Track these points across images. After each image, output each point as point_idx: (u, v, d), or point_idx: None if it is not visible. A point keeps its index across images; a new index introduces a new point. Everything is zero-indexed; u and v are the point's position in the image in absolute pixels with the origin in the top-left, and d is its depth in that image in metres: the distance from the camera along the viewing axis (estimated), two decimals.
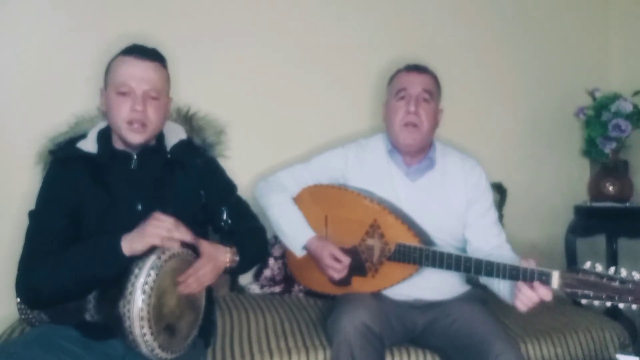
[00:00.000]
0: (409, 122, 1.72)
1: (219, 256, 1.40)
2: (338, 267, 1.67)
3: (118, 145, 1.47)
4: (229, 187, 1.62)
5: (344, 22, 2.41)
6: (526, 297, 1.42)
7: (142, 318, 1.20)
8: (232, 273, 1.51)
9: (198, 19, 2.22)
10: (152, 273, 1.23)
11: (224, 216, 1.53)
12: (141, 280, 1.21)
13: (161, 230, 1.26)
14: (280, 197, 1.84)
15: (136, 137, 1.41)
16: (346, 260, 1.67)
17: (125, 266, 1.25)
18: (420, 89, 1.74)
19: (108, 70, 1.45)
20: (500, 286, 1.58)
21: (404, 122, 1.73)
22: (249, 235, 1.55)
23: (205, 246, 1.38)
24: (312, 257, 1.75)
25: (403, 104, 1.74)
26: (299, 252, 1.77)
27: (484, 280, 1.65)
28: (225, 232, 1.52)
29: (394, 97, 1.78)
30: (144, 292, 1.21)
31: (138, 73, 1.40)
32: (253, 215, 1.64)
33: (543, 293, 1.40)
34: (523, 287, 1.43)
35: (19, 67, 2.04)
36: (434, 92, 1.77)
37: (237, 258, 1.44)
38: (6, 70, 2.03)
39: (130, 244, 1.26)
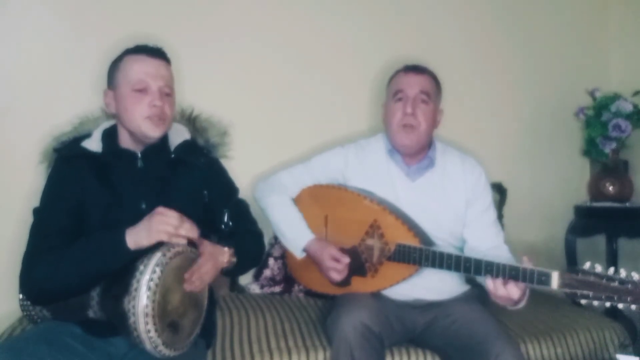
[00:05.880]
0: (405, 124, 1.72)
1: (218, 255, 1.41)
2: (339, 267, 1.67)
3: (123, 144, 1.48)
4: (232, 189, 1.63)
5: (343, 23, 2.41)
6: (496, 287, 1.48)
7: (146, 315, 1.21)
8: (228, 274, 1.52)
9: (201, 22, 2.23)
10: (157, 270, 1.23)
11: (225, 218, 1.53)
12: (146, 277, 1.22)
13: (168, 227, 1.27)
14: (280, 198, 1.84)
15: (156, 132, 1.43)
16: (345, 259, 1.67)
17: (130, 259, 1.26)
18: (417, 90, 1.73)
19: (116, 70, 1.46)
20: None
21: (401, 124, 1.73)
22: (248, 239, 1.55)
23: (206, 245, 1.39)
24: (312, 260, 1.75)
25: (400, 105, 1.74)
26: (298, 254, 1.77)
27: (480, 279, 1.65)
28: (225, 234, 1.52)
29: (392, 99, 1.78)
30: (149, 288, 1.21)
31: (153, 70, 1.43)
32: (253, 219, 1.65)
33: (512, 290, 1.46)
34: (497, 281, 1.48)
35: (23, 67, 2.05)
36: (433, 93, 1.76)
37: (234, 259, 1.44)
38: (10, 70, 2.04)
39: (135, 239, 1.26)
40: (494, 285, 1.48)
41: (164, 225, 1.26)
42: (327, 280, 1.76)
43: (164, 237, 1.26)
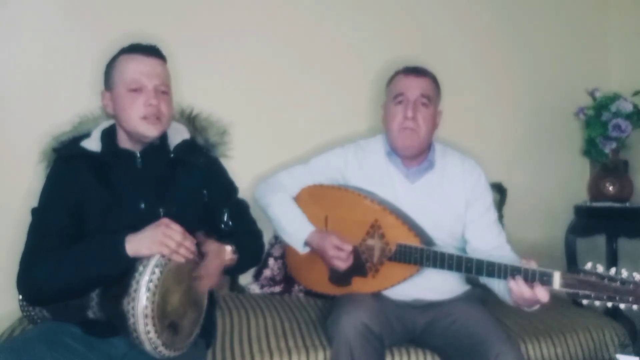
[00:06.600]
0: (406, 128, 1.71)
1: (222, 254, 1.42)
2: (343, 255, 1.66)
3: (123, 144, 1.48)
4: (231, 188, 1.63)
5: (343, 23, 2.41)
6: (521, 290, 1.43)
7: (146, 316, 1.21)
8: (228, 273, 1.52)
9: (201, 21, 2.23)
10: (157, 271, 1.23)
11: (225, 217, 1.53)
12: (146, 278, 1.22)
13: (170, 242, 1.27)
14: (280, 196, 1.84)
15: (153, 131, 1.42)
16: (348, 247, 1.66)
17: (128, 266, 1.26)
18: (418, 94, 1.73)
19: (112, 70, 1.45)
20: (500, 286, 1.57)
21: (401, 127, 1.72)
22: (248, 238, 1.56)
23: (210, 244, 1.39)
24: (315, 252, 1.74)
25: (401, 108, 1.73)
26: (301, 248, 1.76)
27: (484, 279, 1.65)
28: (225, 233, 1.52)
29: (392, 101, 1.77)
30: (148, 289, 1.21)
31: (147, 69, 1.42)
32: (252, 219, 1.65)
33: (541, 293, 1.41)
34: (520, 281, 1.43)
35: (22, 66, 2.05)
36: (433, 95, 1.76)
37: (235, 256, 1.45)
38: (9, 69, 2.04)
39: (136, 247, 1.26)
40: (518, 288, 1.43)
41: (167, 240, 1.27)
42: (327, 280, 1.76)
43: (164, 252, 1.26)
